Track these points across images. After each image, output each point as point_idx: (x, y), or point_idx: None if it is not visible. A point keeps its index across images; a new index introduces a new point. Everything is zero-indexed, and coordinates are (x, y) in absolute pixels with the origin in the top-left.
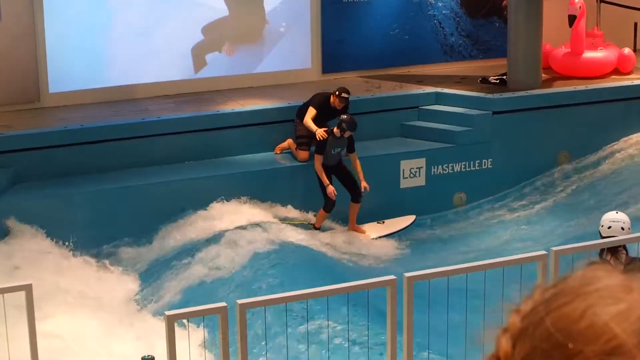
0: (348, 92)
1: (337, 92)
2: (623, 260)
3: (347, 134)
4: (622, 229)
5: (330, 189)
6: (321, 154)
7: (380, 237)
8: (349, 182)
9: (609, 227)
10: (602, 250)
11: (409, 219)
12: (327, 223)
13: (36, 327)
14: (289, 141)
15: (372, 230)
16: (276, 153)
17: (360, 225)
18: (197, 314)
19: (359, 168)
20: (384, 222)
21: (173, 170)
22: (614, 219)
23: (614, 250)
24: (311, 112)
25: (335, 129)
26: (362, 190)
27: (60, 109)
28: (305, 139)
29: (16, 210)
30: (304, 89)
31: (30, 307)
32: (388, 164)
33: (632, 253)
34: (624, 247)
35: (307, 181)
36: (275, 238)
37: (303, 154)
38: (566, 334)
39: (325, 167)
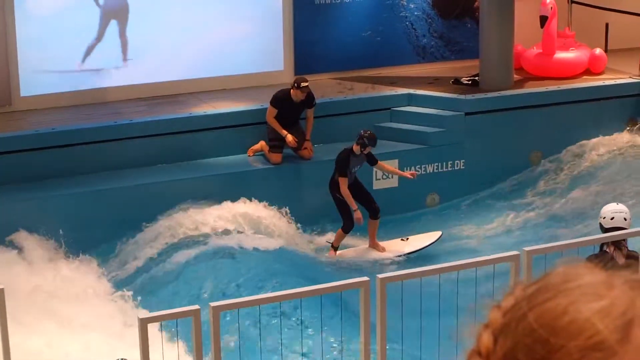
0: (306, 80)
1: (295, 85)
2: (624, 253)
3: (367, 149)
4: (625, 219)
5: (358, 214)
6: (345, 175)
7: (405, 254)
8: (365, 199)
9: (612, 218)
10: (603, 243)
11: (435, 235)
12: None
13: (9, 330)
14: (262, 143)
15: (396, 247)
16: (249, 155)
17: (380, 243)
18: (171, 316)
19: (391, 168)
20: (408, 238)
21: (146, 173)
22: (616, 209)
23: (617, 243)
24: (271, 111)
25: (354, 147)
26: (410, 176)
27: (32, 112)
28: (277, 142)
29: None
30: (276, 90)
31: (2, 309)
32: None
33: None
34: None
35: (280, 183)
36: (249, 240)
37: (276, 157)
38: (549, 330)
39: (338, 186)
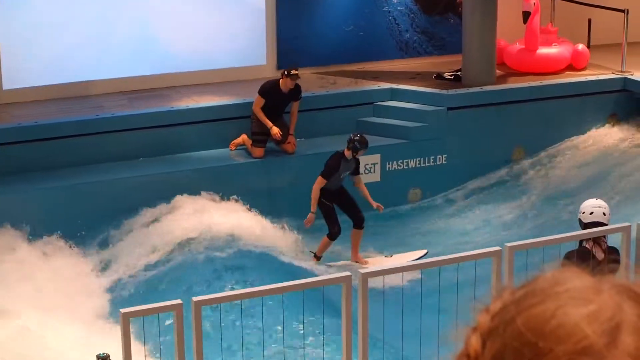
0: (296, 69)
1: (285, 73)
2: (603, 248)
3: (360, 153)
4: (604, 214)
5: (311, 217)
6: (327, 178)
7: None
8: (350, 207)
9: (591, 213)
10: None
11: (420, 253)
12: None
13: None
14: (243, 137)
15: (379, 263)
16: (231, 149)
17: (364, 258)
18: (153, 311)
19: (366, 191)
20: (392, 255)
21: (127, 167)
22: (595, 205)
23: (596, 238)
24: (258, 100)
25: (346, 152)
26: (377, 208)
27: (14, 105)
28: (261, 136)
29: None
30: (258, 85)
31: None
32: None
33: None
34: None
35: (262, 178)
36: (229, 235)
37: (258, 151)
38: (537, 334)
39: (325, 191)
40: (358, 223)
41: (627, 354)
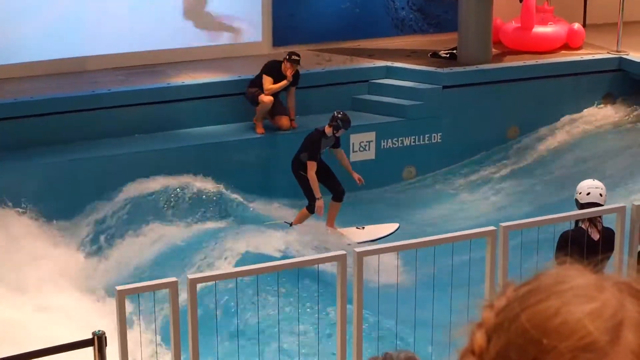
0: (298, 55)
1: (286, 57)
2: (599, 229)
3: (340, 132)
4: (601, 194)
5: (320, 203)
6: (315, 160)
7: (360, 242)
8: (330, 180)
9: (588, 194)
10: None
11: (392, 227)
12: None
13: None
14: (255, 119)
15: (352, 235)
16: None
17: (338, 228)
18: (148, 288)
19: (346, 162)
20: (364, 227)
21: (123, 143)
22: (592, 185)
23: (592, 219)
24: (268, 80)
25: (327, 128)
26: (358, 181)
27: (9, 81)
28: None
29: None
30: (254, 62)
31: None
32: None
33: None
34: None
35: (257, 154)
36: (224, 211)
37: (268, 99)
38: (541, 330)
39: (304, 165)
40: (337, 196)
41: (630, 350)
